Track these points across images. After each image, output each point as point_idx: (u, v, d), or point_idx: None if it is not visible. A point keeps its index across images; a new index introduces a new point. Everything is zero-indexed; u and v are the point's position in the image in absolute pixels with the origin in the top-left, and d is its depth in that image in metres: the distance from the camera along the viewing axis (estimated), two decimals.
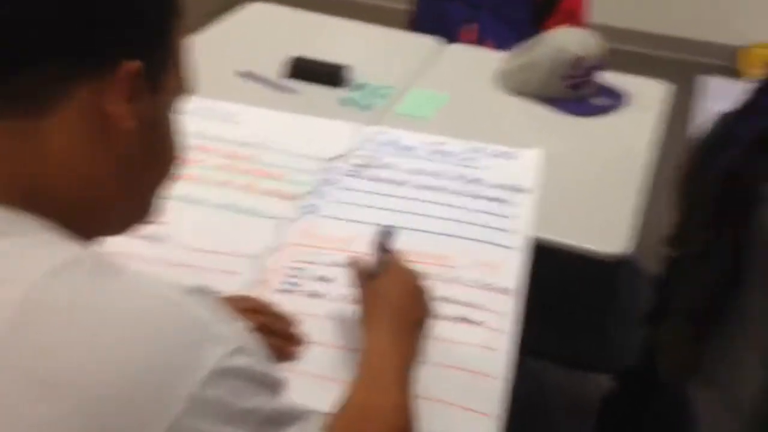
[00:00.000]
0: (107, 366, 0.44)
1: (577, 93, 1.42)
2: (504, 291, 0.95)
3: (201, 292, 0.51)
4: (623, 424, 1.08)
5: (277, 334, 0.83)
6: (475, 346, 0.87)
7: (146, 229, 1.01)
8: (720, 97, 2.98)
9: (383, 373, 0.70)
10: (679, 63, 2.91)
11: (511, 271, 0.98)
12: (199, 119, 1.27)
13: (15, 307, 0.45)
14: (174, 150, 0.60)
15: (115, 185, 0.56)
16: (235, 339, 0.49)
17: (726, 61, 2.91)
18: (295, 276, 0.95)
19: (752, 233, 0.69)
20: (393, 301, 0.78)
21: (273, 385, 0.51)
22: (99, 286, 0.47)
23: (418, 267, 0.85)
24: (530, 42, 1.46)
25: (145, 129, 0.54)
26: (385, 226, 0.88)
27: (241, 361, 0.48)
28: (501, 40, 1.88)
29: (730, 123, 0.84)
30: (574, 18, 2.04)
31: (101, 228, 0.57)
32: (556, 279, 1.15)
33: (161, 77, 0.54)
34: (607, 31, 1.78)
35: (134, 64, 0.51)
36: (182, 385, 0.45)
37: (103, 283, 0.47)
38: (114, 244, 0.60)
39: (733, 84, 2.79)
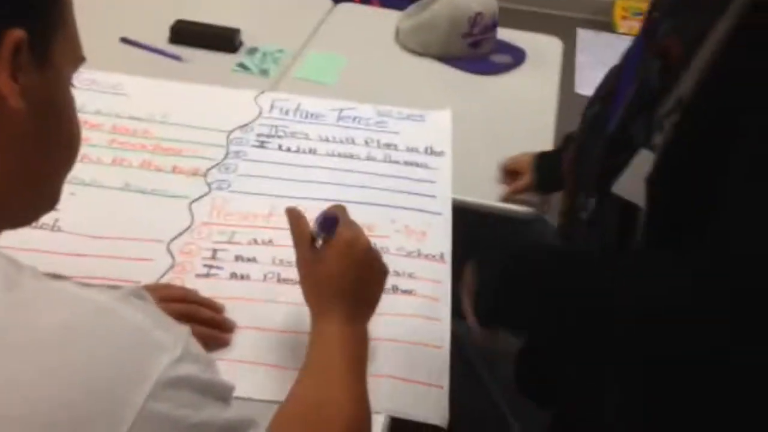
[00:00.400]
0: (38, 391, 0.38)
1: (477, 51, 1.41)
2: (435, 258, 0.92)
3: (134, 294, 0.45)
4: (541, 373, 1.09)
5: (205, 323, 0.76)
6: (415, 317, 0.84)
7: (36, 222, 0.90)
8: (593, 50, 3.10)
9: (335, 364, 0.65)
10: (562, 19, 3.00)
11: (439, 236, 0.95)
12: (79, 92, 1.13)
13: None
14: (76, 129, 0.52)
15: (14, 173, 0.48)
16: (178, 346, 0.43)
17: (602, 16, 3.03)
18: (212, 258, 0.87)
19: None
20: (344, 284, 0.70)
21: (222, 394, 0.47)
22: (13, 297, 0.40)
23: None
24: (425, 0, 1.43)
25: (38, 108, 0.47)
26: (326, 214, 0.74)
27: (187, 369, 0.43)
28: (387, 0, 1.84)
29: (611, 80, 0.85)
30: None
31: (3, 221, 0.49)
32: (471, 240, 1.15)
33: (48, 48, 0.47)
34: None
35: (16, 34, 0.43)
36: (126, 404, 0.39)
37: (17, 293, 0.40)
38: (4, 239, 0.52)
39: (605, 37, 2.94)
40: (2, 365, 0.38)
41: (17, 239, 0.53)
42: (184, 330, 0.45)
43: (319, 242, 0.72)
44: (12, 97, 0.44)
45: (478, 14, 1.38)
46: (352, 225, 0.72)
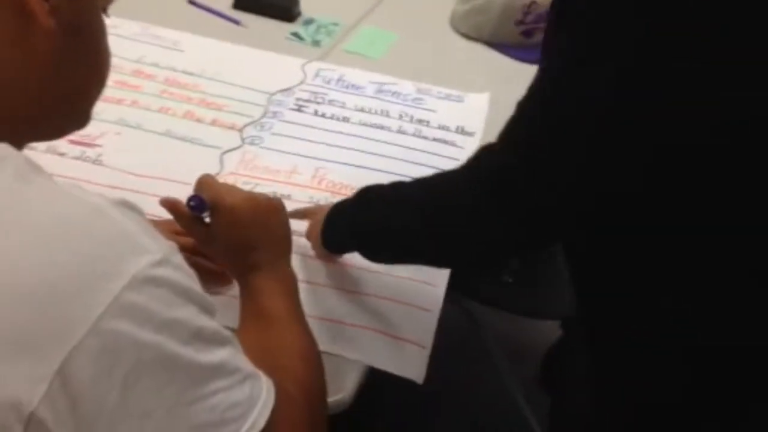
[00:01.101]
0: (27, 267, 0.43)
1: (529, 40, 1.41)
2: None
3: (129, 206, 0.50)
4: (569, 372, 1.11)
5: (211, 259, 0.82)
6: (412, 280, 0.87)
7: (81, 152, 0.99)
8: None
9: (275, 313, 0.68)
10: None
11: None
12: (142, 44, 1.22)
13: None
14: (104, 53, 0.58)
15: (45, 87, 0.54)
16: (161, 251, 0.47)
17: None
18: None
19: None
20: (246, 242, 0.72)
21: (201, 303, 0.50)
22: (22, 187, 0.46)
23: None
24: None
25: (69, 29, 0.52)
26: (189, 199, 0.74)
27: (166, 272, 0.47)
28: None
29: None
30: None
31: (33, 134, 0.56)
32: None
33: None
34: None
35: None
36: (103, 291, 0.44)
37: (28, 186, 0.46)
38: (47, 166, 0.59)
39: None
40: (3, 242, 0.43)
41: (61, 166, 0.60)
42: (170, 243, 0.49)
43: (206, 218, 0.75)
44: (42, 15, 0.49)
45: (533, 3, 1.39)
46: (222, 189, 0.75)
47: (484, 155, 0.71)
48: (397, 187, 0.77)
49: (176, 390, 0.46)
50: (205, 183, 0.76)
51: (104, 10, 0.58)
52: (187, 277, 0.49)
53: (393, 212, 0.74)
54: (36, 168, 0.49)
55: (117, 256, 0.45)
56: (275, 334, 0.67)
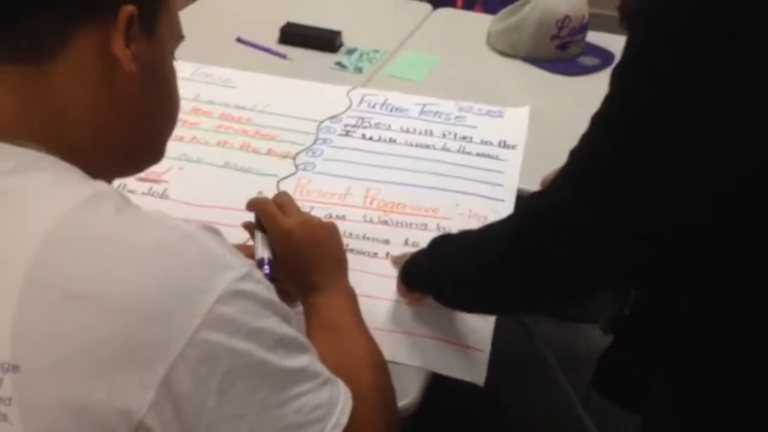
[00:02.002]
0: (133, 284, 0.48)
1: (565, 53, 1.45)
2: None
3: (211, 230, 0.56)
4: (624, 379, 1.10)
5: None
6: None
7: (148, 188, 1.06)
8: None
9: (341, 324, 0.73)
10: None
11: None
12: (197, 84, 1.30)
13: (46, 236, 0.49)
14: (175, 94, 0.65)
15: (125, 130, 0.60)
16: (244, 267, 0.53)
17: None
18: None
19: None
20: (309, 257, 0.77)
21: (281, 312, 0.55)
22: (121, 218, 0.51)
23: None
24: (518, 3, 1.49)
25: (147, 73, 0.59)
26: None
27: (249, 285, 0.52)
28: (489, 5, 1.91)
29: None
30: None
31: (114, 171, 0.62)
32: None
33: (155, 23, 0.59)
34: None
35: (129, 9, 0.55)
36: (197, 304, 0.49)
37: (125, 216, 0.52)
38: None
39: None
40: (107, 266, 0.49)
41: (132, 201, 0.66)
42: (250, 261, 0.55)
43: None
44: (126, 61, 0.56)
45: (567, 17, 1.42)
46: (277, 214, 0.79)
47: (534, 198, 0.71)
48: (461, 239, 0.79)
49: (265, 393, 0.51)
50: (258, 206, 0.81)
51: (172, 53, 0.64)
52: (267, 289, 0.55)
53: (460, 265, 0.76)
54: (128, 200, 0.55)
55: (207, 273, 0.51)
56: (343, 344, 0.71)
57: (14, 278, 0.49)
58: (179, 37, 0.64)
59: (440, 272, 0.79)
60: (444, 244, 0.81)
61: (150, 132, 0.64)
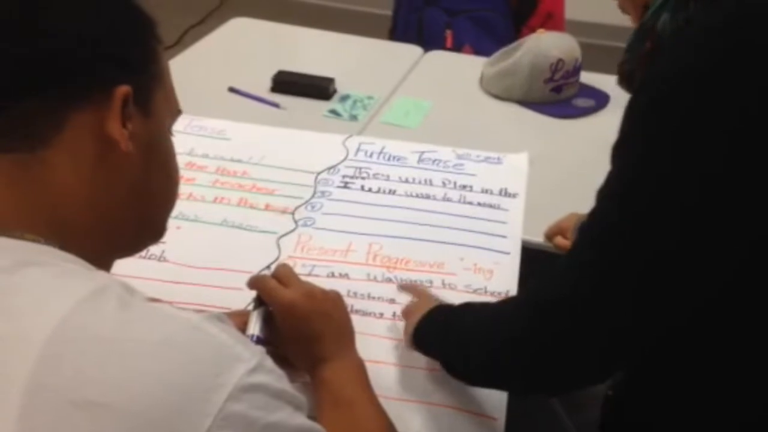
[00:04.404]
0: (140, 386, 0.46)
1: (559, 96, 1.45)
2: (501, 295, 0.97)
3: (218, 318, 0.53)
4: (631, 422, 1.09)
5: None
6: None
7: (146, 251, 1.03)
8: None
9: (352, 400, 0.71)
10: None
11: (506, 275, 1.00)
12: (191, 137, 1.28)
13: (49, 338, 0.47)
14: (174, 171, 0.63)
15: (125, 211, 0.58)
16: (254, 358, 0.50)
17: None
18: None
19: None
20: (314, 328, 0.75)
21: (293, 401, 0.53)
22: (125, 314, 0.49)
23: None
24: (510, 47, 1.49)
25: (144, 152, 0.57)
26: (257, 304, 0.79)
27: (260, 378, 0.50)
28: (479, 45, 1.91)
29: None
30: (552, 19, 2.07)
31: (115, 252, 0.60)
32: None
33: (150, 101, 0.57)
34: (582, 27, 1.81)
35: (123, 89, 0.54)
36: (209, 403, 0.46)
37: (129, 312, 0.49)
38: (118, 266, 0.62)
39: None
40: (114, 368, 0.46)
41: (130, 268, 0.64)
42: (260, 349, 0.53)
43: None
44: (123, 141, 0.54)
45: (560, 61, 1.42)
46: (277, 288, 0.77)
47: (547, 283, 0.69)
48: (474, 315, 0.78)
49: None
50: (259, 283, 0.79)
51: (169, 129, 0.62)
52: (279, 378, 0.52)
53: (470, 344, 0.75)
54: (131, 291, 0.53)
55: (217, 369, 0.48)
56: (355, 421, 0.69)
57: (15, 389, 0.46)
58: (176, 112, 0.63)
59: (450, 348, 0.78)
60: (455, 319, 0.79)
61: (150, 211, 0.62)
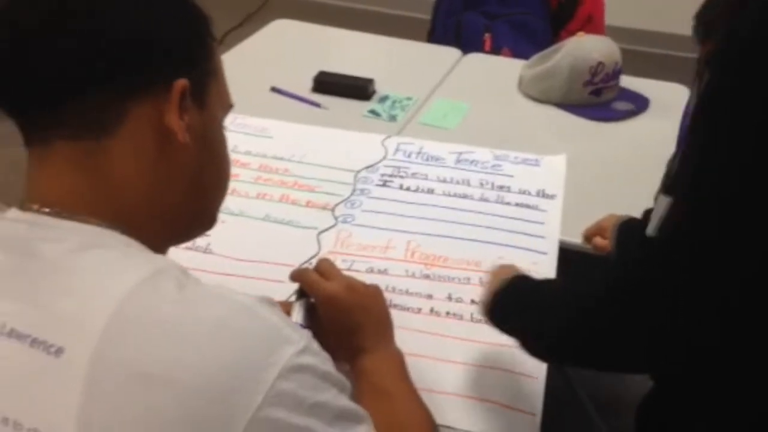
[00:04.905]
0: (197, 363, 0.49)
1: (599, 99, 1.45)
2: None
3: (269, 302, 0.56)
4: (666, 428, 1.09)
5: None
6: (515, 348, 0.89)
7: (192, 243, 1.06)
8: None
9: (392, 390, 0.73)
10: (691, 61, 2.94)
11: (544, 274, 1.01)
12: (234, 134, 1.31)
13: (112, 315, 0.50)
14: (227, 162, 0.65)
15: (181, 198, 0.61)
16: (302, 340, 0.53)
17: None
18: None
19: None
20: (354, 320, 0.77)
21: (339, 384, 0.55)
22: (183, 295, 0.52)
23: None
24: (550, 50, 1.50)
25: (199, 143, 0.60)
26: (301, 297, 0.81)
27: (308, 359, 0.52)
28: (517, 49, 1.92)
29: None
30: (592, 23, 2.07)
31: (171, 238, 0.63)
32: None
33: (205, 94, 0.60)
34: (624, 33, 1.80)
35: (182, 83, 0.57)
36: (261, 380, 0.49)
37: (186, 293, 0.52)
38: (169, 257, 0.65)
39: None
40: (173, 345, 0.49)
41: (177, 258, 0.67)
42: (307, 332, 0.55)
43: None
44: (180, 132, 0.57)
45: (600, 64, 1.43)
46: (319, 280, 0.79)
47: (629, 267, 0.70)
48: (550, 288, 0.80)
49: None
50: (301, 276, 0.81)
51: (222, 122, 0.65)
52: (325, 361, 0.55)
53: (548, 314, 0.75)
54: (187, 273, 0.56)
55: (268, 348, 0.51)
56: (395, 411, 0.70)
57: (81, 357, 0.49)
58: (228, 105, 0.65)
59: (527, 319, 0.78)
60: (530, 292, 0.80)
61: (203, 199, 0.65)
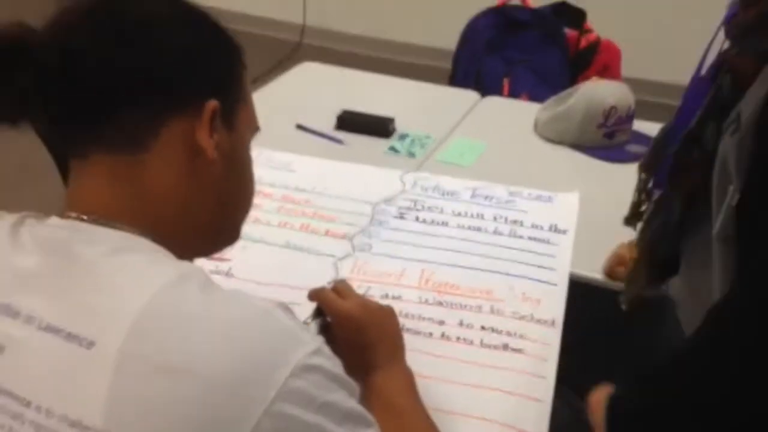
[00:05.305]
0: (216, 358, 0.53)
1: (612, 141, 1.49)
2: (547, 322, 1.01)
3: (285, 307, 0.60)
4: None
5: None
6: (522, 372, 0.92)
7: (215, 266, 1.11)
8: None
9: (401, 406, 0.76)
10: None
11: (553, 304, 1.04)
12: (258, 167, 1.36)
13: (140, 312, 0.54)
14: (251, 181, 0.70)
15: (208, 212, 0.66)
16: (315, 343, 0.57)
17: None
18: None
19: (707, 180, 0.82)
20: (368, 337, 0.80)
21: (348, 387, 0.58)
22: (206, 296, 0.56)
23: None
24: (564, 93, 1.55)
25: (227, 160, 0.65)
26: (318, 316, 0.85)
27: (320, 360, 0.56)
28: (535, 94, 1.98)
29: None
30: (608, 72, 2.13)
31: (195, 250, 0.67)
32: (596, 316, 1.21)
33: (234, 116, 0.65)
34: (639, 84, 1.86)
35: (213, 104, 0.62)
36: (274, 377, 0.53)
37: (209, 295, 0.57)
38: None
39: None
40: (195, 341, 0.53)
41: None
42: (320, 337, 0.60)
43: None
44: (210, 149, 0.62)
45: (613, 108, 1.48)
46: (336, 299, 0.82)
47: None
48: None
49: None
50: (319, 295, 0.85)
51: (249, 143, 0.70)
52: (335, 365, 0.58)
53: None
54: (210, 279, 0.60)
55: (283, 348, 0.55)
56: (404, 426, 0.73)
57: (110, 350, 0.53)
58: (255, 128, 0.71)
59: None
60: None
61: (229, 213, 0.70)
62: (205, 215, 0.66)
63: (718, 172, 0.81)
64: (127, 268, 0.58)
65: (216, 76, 0.64)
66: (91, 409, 0.52)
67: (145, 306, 0.54)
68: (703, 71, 0.91)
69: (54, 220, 0.62)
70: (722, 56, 0.86)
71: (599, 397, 0.85)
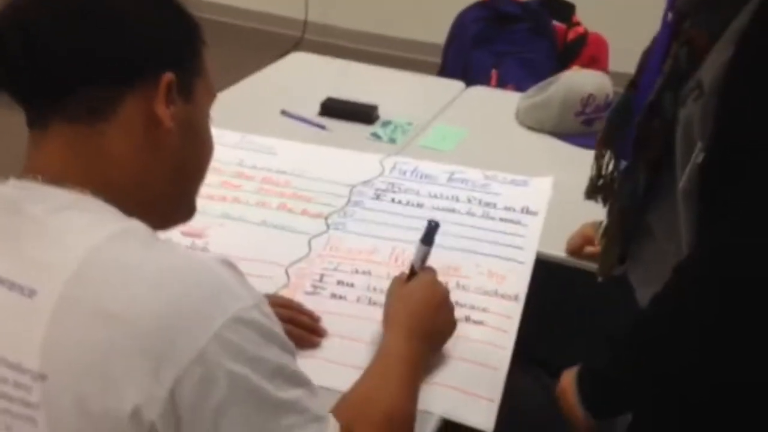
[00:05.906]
0: (149, 304, 0.56)
1: (590, 128, 1.52)
2: (510, 297, 1.04)
3: (229, 264, 0.63)
4: None
5: (301, 326, 0.93)
6: (482, 343, 0.95)
7: (191, 242, 1.14)
8: None
9: (390, 373, 0.79)
10: None
11: (517, 281, 1.07)
12: (241, 151, 1.41)
13: (81, 262, 0.57)
14: (210, 151, 0.73)
15: (164, 182, 0.68)
16: (252, 299, 0.59)
17: None
18: (319, 281, 1.06)
19: (669, 146, 0.87)
20: (413, 308, 0.87)
21: (284, 346, 0.61)
22: (147, 248, 0.59)
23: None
24: (545, 82, 1.58)
25: (183, 130, 0.67)
26: (432, 221, 0.96)
27: (255, 315, 0.58)
28: (522, 85, 2.01)
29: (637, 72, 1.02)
30: (596, 64, 2.16)
31: (150, 218, 0.69)
32: (566, 294, 1.23)
33: (191, 87, 0.68)
34: (626, 77, 1.88)
35: (168, 76, 0.64)
36: (205, 327, 0.56)
37: (149, 246, 0.60)
38: None
39: None
40: (131, 289, 0.56)
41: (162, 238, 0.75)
42: (261, 295, 0.62)
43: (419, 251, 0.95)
44: (166, 119, 0.65)
45: (591, 95, 1.50)
46: (435, 275, 0.93)
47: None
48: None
49: (260, 420, 0.57)
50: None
51: (207, 112, 0.73)
52: (272, 322, 0.61)
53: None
54: (156, 236, 0.63)
55: (218, 300, 0.57)
56: (375, 386, 0.77)
57: (50, 297, 0.56)
58: (212, 96, 0.72)
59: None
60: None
61: (184, 182, 0.71)
62: (161, 183, 0.68)
63: (682, 136, 0.85)
64: (72, 222, 0.60)
65: (173, 50, 0.66)
66: (29, 352, 0.56)
67: (86, 256, 0.57)
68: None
69: (11, 181, 0.64)
70: (675, 27, 0.89)
71: (569, 377, 0.89)
